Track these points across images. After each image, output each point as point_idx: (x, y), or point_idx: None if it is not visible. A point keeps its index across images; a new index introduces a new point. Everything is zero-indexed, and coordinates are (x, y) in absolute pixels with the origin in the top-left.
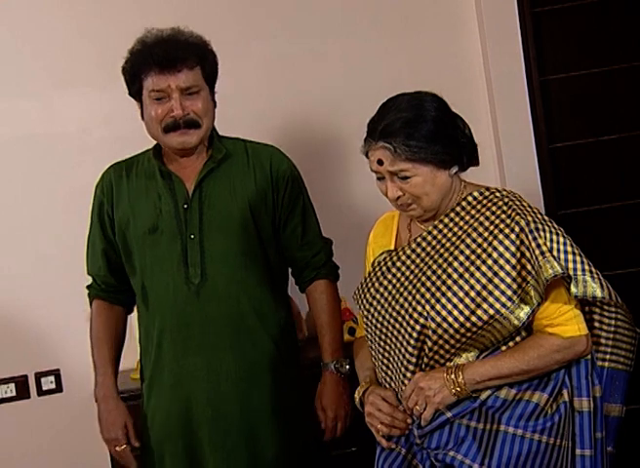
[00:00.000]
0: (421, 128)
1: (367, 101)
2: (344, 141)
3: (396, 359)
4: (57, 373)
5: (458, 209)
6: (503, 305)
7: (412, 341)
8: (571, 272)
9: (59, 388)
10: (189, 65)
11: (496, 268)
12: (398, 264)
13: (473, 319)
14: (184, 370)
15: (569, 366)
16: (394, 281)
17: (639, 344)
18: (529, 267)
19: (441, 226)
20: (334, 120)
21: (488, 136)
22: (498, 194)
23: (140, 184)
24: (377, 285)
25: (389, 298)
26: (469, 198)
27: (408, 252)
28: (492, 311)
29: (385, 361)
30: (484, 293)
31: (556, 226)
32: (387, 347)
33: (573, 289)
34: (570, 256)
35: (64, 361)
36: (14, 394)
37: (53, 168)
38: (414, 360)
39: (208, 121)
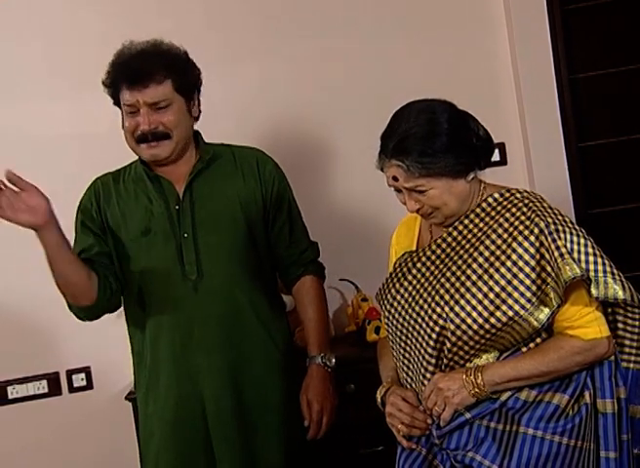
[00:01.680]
0: (434, 143)
1: (392, 102)
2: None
3: (416, 359)
4: (87, 371)
5: (478, 210)
6: (522, 307)
7: (431, 342)
8: (592, 274)
9: (89, 385)
10: (157, 80)
11: (515, 270)
12: (418, 265)
13: (492, 320)
14: (184, 368)
15: (591, 367)
16: (414, 282)
17: None
18: (548, 269)
19: (461, 228)
20: (360, 121)
21: (516, 135)
22: (518, 195)
23: (129, 190)
24: (397, 286)
25: (409, 299)
26: (489, 199)
27: (428, 253)
28: (511, 313)
29: (406, 361)
30: (503, 295)
31: (577, 227)
32: (407, 348)
33: (593, 290)
34: (591, 258)
35: (95, 358)
36: (46, 390)
37: (84, 167)
38: (433, 360)
39: (179, 132)
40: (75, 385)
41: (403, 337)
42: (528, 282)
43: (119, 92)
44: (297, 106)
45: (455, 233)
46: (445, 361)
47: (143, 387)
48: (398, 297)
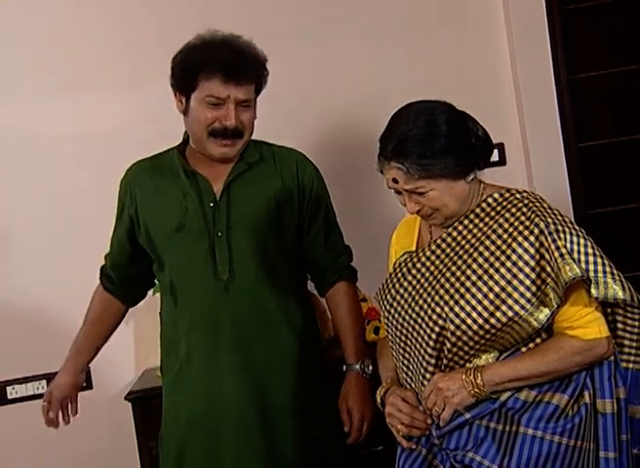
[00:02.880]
0: (433, 144)
1: (392, 103)
2: (371, 144)
3: (416, 360)
4: (87, 371)
5: (477, 210)
6: (522, 307)
7: (431, 343)
8: (591, 274)
9: (88, 385)
10: (250, 80)
11: (514, 270)
12: (418, 266)
13: (492, 321)
14: (213, 366)
15: (591, 367)
16: (414, 282)
17: None
18: (548, 269)
19: (460, 228)
20: (360, 121)
21: (515, 136)
22: (518, 195)
23: (164, 183)
24: (397, 286)
25: (409, 300)
26: (489, 200)
27: (427, 253)
28: (510, 313)
29: (406, 361)
30: (502, 295)
31: (577, 228)
32: (407, 348)
33: (593, 291)
34: (590, 258)
35: (94, 359)
36: (45, 390)
37: (85, 167)
38: (433, 361)
39: (249, 133)
40: None
41: (403, 338)
42: (528, 282)
43: (202, 79)
44: (296, 107)
45: (454, 233)
46: (445, 361)
47: (172, 373)
48: (398, 298)
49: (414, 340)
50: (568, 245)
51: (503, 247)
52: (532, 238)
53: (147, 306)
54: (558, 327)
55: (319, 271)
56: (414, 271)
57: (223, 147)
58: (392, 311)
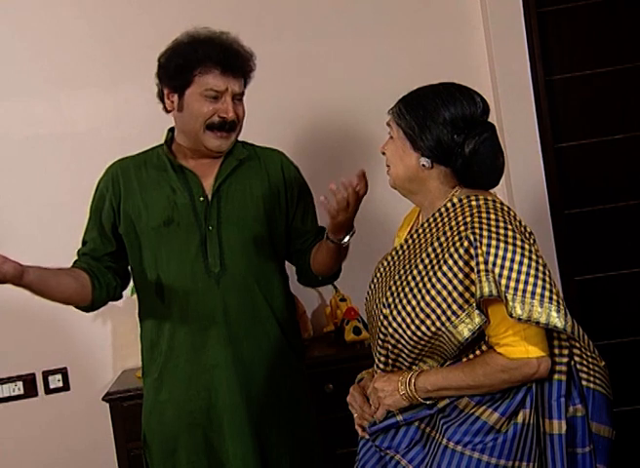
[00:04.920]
0: (418, 103)
1: (370, 101)
2: (366, 143)
3: (374, 355)
4: (64, 372)
5: (436, 214)
6: (448, 319)
7: (379, 341)
8: (519, 294)
9: (66, 386)
10: (242, 73)
11: (444, 281)
12: (385, 264)
13: (423, 329)
14: (203, 360)
15: (541, 385)
16: (380, 280)
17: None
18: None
19: (420, 231)
20: (340, 120)
21: None
22: (474, 203)
23: (151, 178)
24: (370, 282)
25: (373, 295)
26: (448, 204)
27: (393, 252)
28: (438, 323)
29: (372, 353)
30: (432, 305)
31: (524, 246)
32: (371, 340)
33: (517, 311)
34: (522, 277)
35: (72, 360)
36: (22, 392)
37: (61, 167)
38: (382, 358)
39: (240, 126)
40: (52, 386)
41: (369, 330)
42: (455, 294)
43: (198, 74)
44: (292, 107)
45: (415, 235)
46: (390, 361)
47: (155, 373)
48: (370, 292)
49: (373, 336)
50: (499, 261)
51: (440, 256)
52: (461, 250)
53: (125, 307)
54: (490, 342)
55: (305, 247)
56: (382, 269)
57: (220, 139)
58: (365, 303)
